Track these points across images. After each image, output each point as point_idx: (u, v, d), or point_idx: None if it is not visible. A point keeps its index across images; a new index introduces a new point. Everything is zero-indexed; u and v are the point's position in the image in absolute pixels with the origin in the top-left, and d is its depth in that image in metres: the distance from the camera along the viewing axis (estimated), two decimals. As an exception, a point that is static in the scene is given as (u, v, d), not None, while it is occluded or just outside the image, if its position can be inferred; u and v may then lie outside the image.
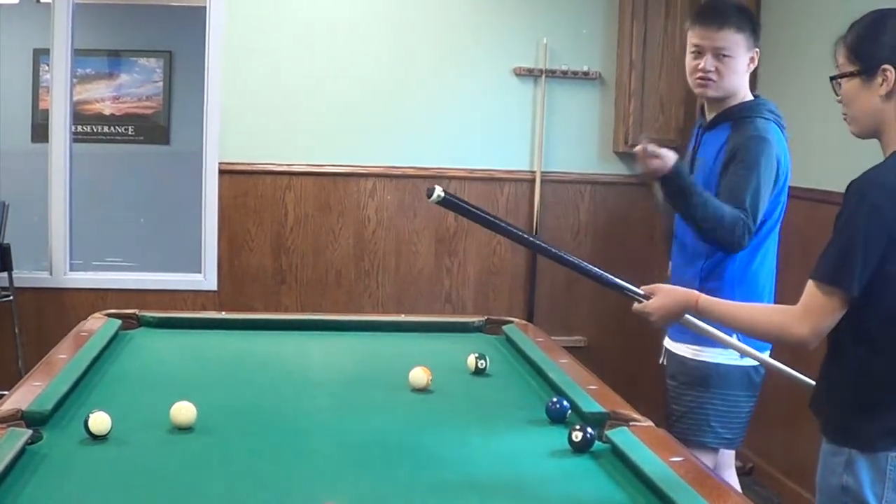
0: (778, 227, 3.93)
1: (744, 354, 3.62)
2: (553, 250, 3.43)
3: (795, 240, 4.44)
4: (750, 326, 3.04)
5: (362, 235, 6.24)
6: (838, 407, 2.92)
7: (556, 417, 3.12)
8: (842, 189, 5.04)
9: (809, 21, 5.83)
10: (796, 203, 4.77)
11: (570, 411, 3.14)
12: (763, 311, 3.11)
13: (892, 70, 2.81)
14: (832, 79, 2.98)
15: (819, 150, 5.64)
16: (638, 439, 2.85)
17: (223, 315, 4.58)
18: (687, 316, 3.22)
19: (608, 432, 2.92)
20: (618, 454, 2.80)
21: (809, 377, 3.29)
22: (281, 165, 6.13)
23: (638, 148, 3.64)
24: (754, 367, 3.89)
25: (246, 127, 6.07)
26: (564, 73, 6.38)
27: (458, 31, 6.29)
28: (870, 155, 4.98)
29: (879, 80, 2.82)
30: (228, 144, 6.04)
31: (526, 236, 3.61)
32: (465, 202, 3.29)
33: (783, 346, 3.05)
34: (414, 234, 6.30)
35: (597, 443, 2.86)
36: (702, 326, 3.27)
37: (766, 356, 3.52)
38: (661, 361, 4.11)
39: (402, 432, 3.06)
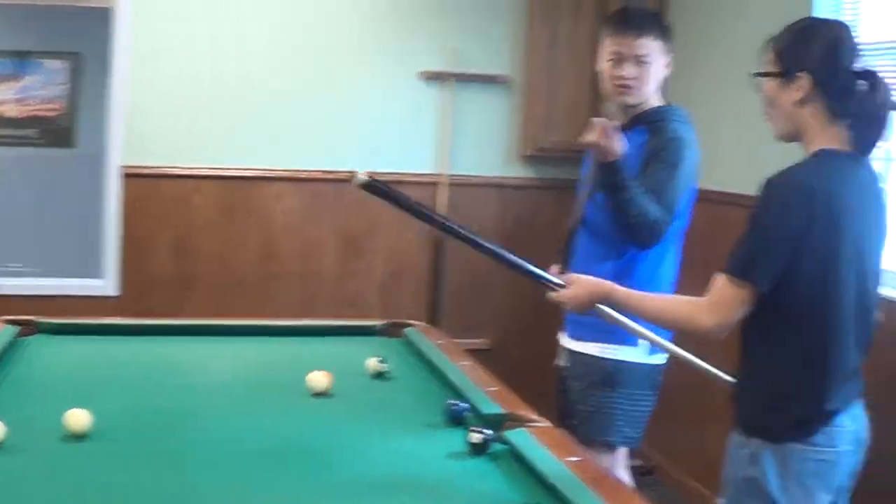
0: (683, 228, 3.98)
1: (658, 348, 3.66)
2: (472, 237, 3.53)
3: (698, 241, 4.47)
4: (658, 316, 3.11)
5: (267, 239, 6.20)
6: (749, 399, 3.00)
7: (455, 419, 3.12)
8: (743, 191, 5.12)
9: (714, 28, 5.89)
10: (699, 205, 4.81)
11: (468, 413, 3.14)
12: (672, 302, 3.18)
13: (808, 78, 2.89)
14: (755, 75, 3.08)
15: (722, 153, 5.70)
16: (536, 440, 2.86)
17: (123, 320, 4.51)
18: (599, 306, 3.26)
19: (506, 433, 2.92)
20: (515, 455, 2.80)
21: (721, 370, 3.33)
22: (186, 169, 6.06)
23: (599, 120, 3.70)
24: (657, 365, 3.94)
25: (151, 130, 6.00)
26: (472, 76, 6.38)
27: (365, 35, 6.26)
28: (774, 158, 5.04)
29: (796, 85, 2.92)
30: (133, 147, 5.96)
31: (448, 223, 3.63)
32: (388, 188, 3.38)
33: (688, 338, 3.11)
34: (319, 238, 6.26)
35: (495, 444, 2.86)
36: (614, 317, 3.30)
37: (684, 352, 3.54)
38: (559, 363, 4.12)
39: (301, 436, 3.05)
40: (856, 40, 2.97)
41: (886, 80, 2.94)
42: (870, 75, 2.92)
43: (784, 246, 2.81)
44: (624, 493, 2.58)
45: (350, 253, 6.31)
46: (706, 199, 5.52)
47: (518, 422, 3.03)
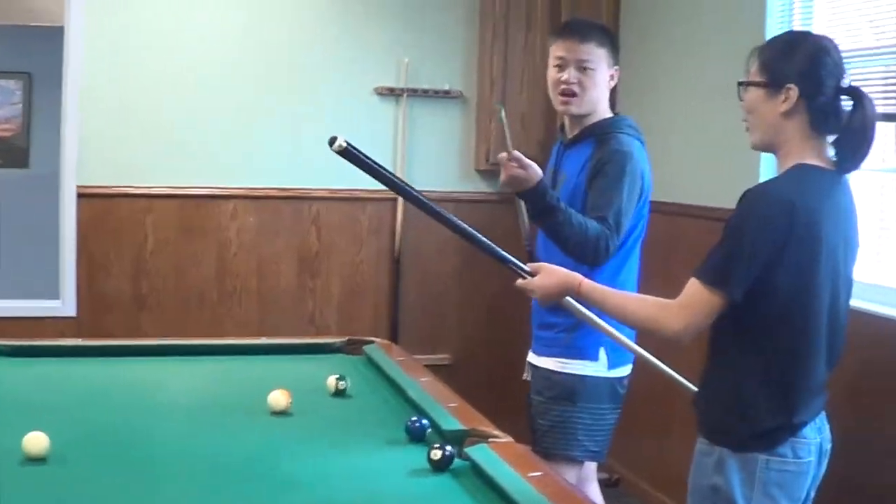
0: (640, 240, 3.99)
1: (618, 358, 3.69)
2: (444, 214, 3.69)
3: (656, 252, 4.49)
4: (626, 314, 3.12)
5: (224, 258, 6.18)
6: (715, 406, 3.03)
7: (416, 436, 3.12)
8: (698, 202, 5.16)
9: (667, 40, 5.92)
10: (655, 217, 4.83)
11: (429, 430, 3.14)
12: (642, 302, 3.15)
13: (795, 90, 2.91)
14: (740, 83, 3.07)
15: (676, 165, 5.72)
16: (497, 456, 2.86)
17: (80, 342, 4.48)
18: (568, 298, 3.28)
19: (467, 449, 2.92)
20: (477, 471, 2.81)
21: (682, 375, 3.36)
22: (141, 188, 6.03)
23: (503, 155, 3.70)
24: (619, 378, 3.95)
25: (105, 149, 5.97)
26: (426, 91, 6.39)
27: (319, 51, 6.27)
28: (726, 169, 5.09)
29: (782, 96, 2.94)
30: (87, 167, 5.93)
31: (420, 198, 3.70)
32: (366, 156, 3.47)
33: (652, 339, 3.16)
34: (276, 256, 6.25)
35: (456, 460, 2.86)
36: (581, 311, 3.32)
37: (649, 355, 3.55)
38: (524, 377, 4.13)
39: (261, 456, 3.03)
40: (841, 56, 2.99)
41: (872, 99, 2.97)
42: (855, 92, 2.95)
43: (759, 258, 2.83)
44: (587, 507, 2.59)
45: (307, 271, 6.30)
46: (660, 210, 5.56)
47: (479, 437, 3.03)
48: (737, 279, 2.83)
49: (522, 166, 3.66)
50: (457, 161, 6.46)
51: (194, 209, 6.11)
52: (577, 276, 3.25)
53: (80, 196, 5.91)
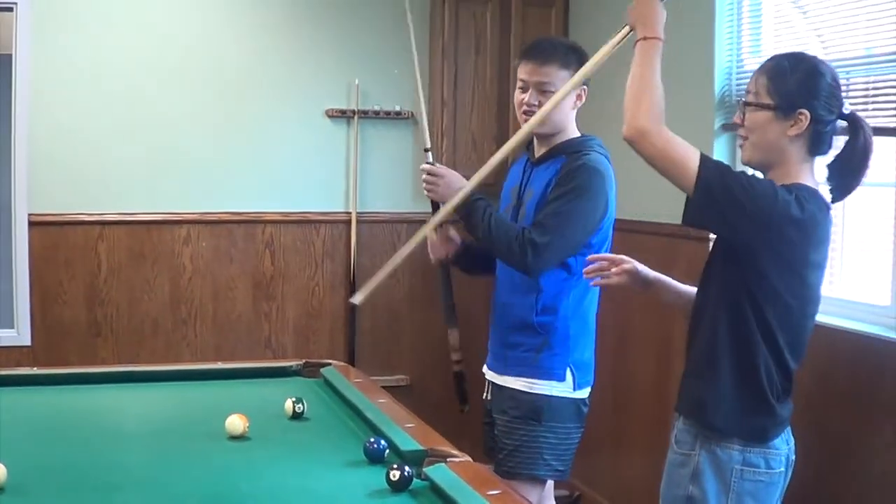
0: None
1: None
2: None
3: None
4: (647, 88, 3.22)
5: (178, 283, 6.17)
6: (698, 411, 3.11)
7: (374, 457, 3.12)
8: (660, 219, 5.17)
9: (614, 60, 5.96)
10: (617, 234, 4.85)
11: (387, 451, 3.15)
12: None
13: (808, 115, 2.96)
14: (746, 104, 3.09)
15: (638, 182, 5.76)
16: (456, 475, 2.87)
17: (35, 371, 4.46)
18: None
19: (426, 469, 2.93)
20: (436, 491, 2.82)
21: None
22: (92, 215, 6.02)
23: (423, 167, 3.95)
24: (583, 399, 3.96)
25: (56, 176, 5.95)
26: (377, 113, 6.41)
27: (269, 74, 6.27)
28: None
29: (791, 121, 2.99)
30: (38, 195, 5.91)
31: None
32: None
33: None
34: (231, 280, 6.25)
35: (415, 480, 2.87)
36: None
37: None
38: (484, 396, 4.14)
39: (218, 481, 3.02)
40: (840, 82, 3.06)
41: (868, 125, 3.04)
42: (854, 119, 3.02)
43: (747, 211, 2.90)
44: (545, 525, 2.60)
45: (263, 295, 6.30)
46: (620, 227, 5.59)
47: (438, 457, 3.04)
48: (714, 188, 2.93)
49: (440, 173, 3.92)
50: (409, 182, 6.47)
51: (146, 235, 6.10)
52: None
53: (32, 224, 5.89)
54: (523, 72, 3.95)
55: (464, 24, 6.39)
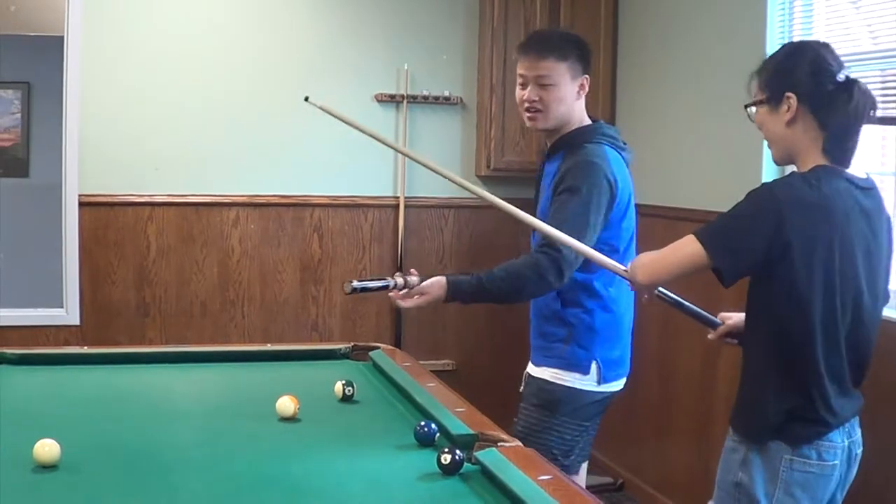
0: (633, 245, 3.96)
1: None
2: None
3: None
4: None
5: (226, 265, 6.20)
6: (746, 405, 3.11)
7: (425, 441, 3.13)
8: (695, 205, 5.16)
9: (667, 47, 5.94)
10: (655, 221, 4.84)
11: (438, 434, 3.15)
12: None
13: (794, 97, 2.97)
14: (746, 107, 3.15)
15: (676, 170, 5.75)
16: (507, 459, 2.87)
17: (86, 350, 4.49)
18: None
19: (477, 454, 2.93)
20: (487, 475, 2.82)
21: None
22: (142, 196, 6.06)
23: (400, 299, 3.71)
24: (607, 394, 3.90)
25: (106, 158, 5.99)
26: (426, 98, 6.42)
27: (319, 59, 6.29)
28: (729, 175, 5.11)
29: (784, 107, 3.00)
30: (88, 176, 5.95)
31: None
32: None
33: None
34: (279, 263, 6.27)
35: (466, 464, 2.87)
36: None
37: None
38: (520, 389, 4.08)
39: (269, 462, 3.03)
40: (836, 54, 3.04)
41: (868, 89, 3.01)
42: (848, 83, 2.99)
43: (758, 228, 2.90)
44: (596, 510, 2.60)
45: (310, 278, 6.32)
46: (664, 215, 5.59)
47: (488, 442, 3.04)
48: (726, 246, 2.96)
49: (420, 293, 3.70)
50: (458, 167, 6.47)
51: (196, 217, 6.14)
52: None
53: (82, 205, 5.94)
54: (521, 67, 3.87)
55: (513, 10, 6.37)
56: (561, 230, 3.51)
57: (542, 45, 3.84)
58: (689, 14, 5.70)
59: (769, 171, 4.96)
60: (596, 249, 3.55)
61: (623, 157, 3.90)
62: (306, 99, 3.66)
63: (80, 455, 2.97)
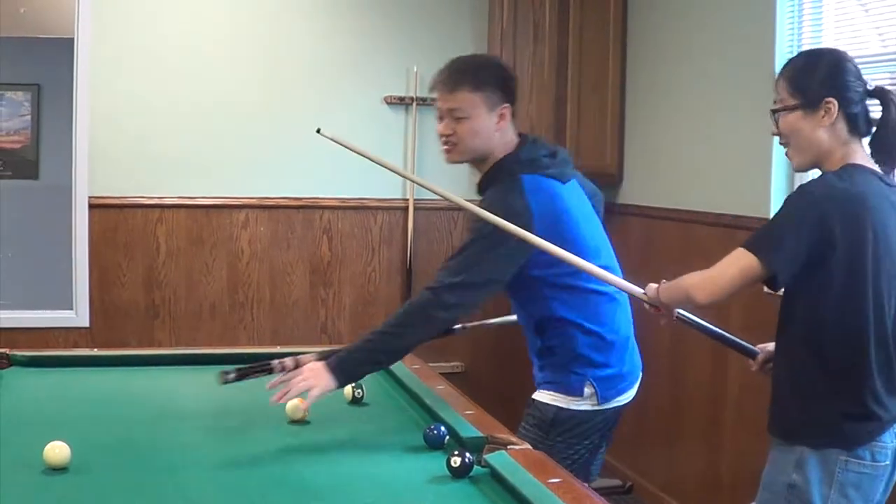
0: (605, 256, 3.76)
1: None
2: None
3: (669, 258, 4.50)
4: (672, 284, 3.17)
5: (236, 267, 6.21)
6: (795, 407, 3.06)
7: (434, 443, 3.13)
8: (720, 209, 5.15)
9: (677, 50, 5.94)
10: (669, 224, 4.85)
11: (447, 437, 3.15)
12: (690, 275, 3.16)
13: (835, 102, 2.98)
14: (775, 111, 3.10)
15: (686, 173, 5.74)
16: (516, 462, 2.86)
17: (96, 352, 4.51)
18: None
19: (486, 456, 2.92)
20: (497, 478, 2.81)
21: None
22: (152, 198, 6.07)
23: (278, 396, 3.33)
24: (611, 409, 3.73)
25: (116, 160, 6.01)
26: (435, 100, 6.39)
27: (328, 61, 6.30)
28: (738, 179, 5.10)
29: (822, 112, 2.99)
30: (98, 178, 5.97)
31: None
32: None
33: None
34: (288, 265, 6.28)
35: (475, 467, 2.87)
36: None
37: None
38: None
39: (278, 464, 3.04)
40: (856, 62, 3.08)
41: None
42: (882, 93, 3.05)
43: (804, 232, 2.89)
44: (606, 514, 2.60)
45: (318, 280, 6.33)
46: (675, 217, 5.59)
47: (498, 445, 3.03)
48: (776, 250, 2.92)
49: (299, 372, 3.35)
50: (466, 170, 6.43)
51: (206, 219, 6.15)
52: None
53: (92, 206, 5.95)
54: (438, 100, 3.67)
55: (522, 13, 6.37)
56: (449, 272, 3.44)
57: (455, 76, 3.62)
58: (699, 15, 5.69)
59: (779, 175, 4.97)
60: (553, 279, 3.55)
61: (544, 179, 3.64)
62: (318, 131, 3.58)
63: (89, 457, 2.98)
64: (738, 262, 2.95)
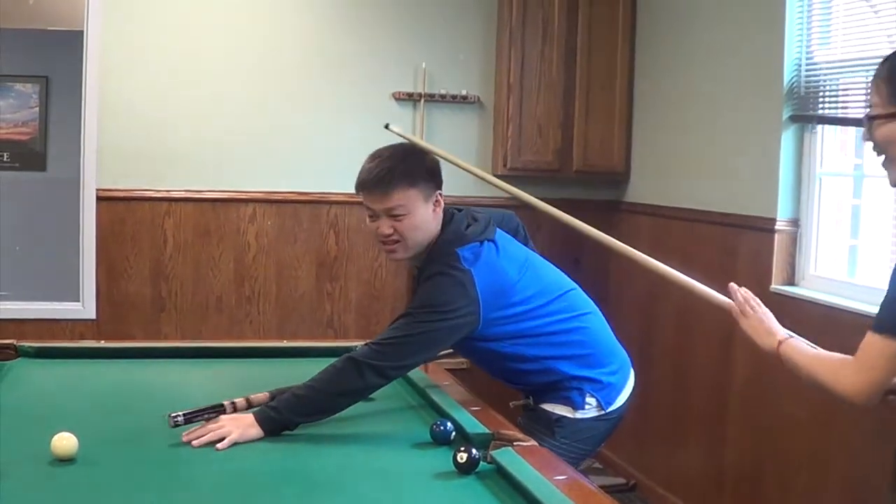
0: (558, 289, 3.76)
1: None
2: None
3: (676, 256, 4.49)
4: (809, 371, 2.85)
5: (242, 261, 6.22)
6: None
7: (441, 439, 3.14)
8: (726, 209, 5.14)
9: (685, 52, 5.95)
10: (676, 223, 4.85)
11: (454, 433, 3.16)
12: (828, 359, 2.83)
13: None
14: (869, 119, 2.71)
15: (694, 174, 5.76)
16: (522, 459, 2.87)
17: (103, 344, 4.51)
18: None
19: (493, 453, 2.93)
20: (503, 474, 2.82)
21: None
22: (160, 192, 6.08)
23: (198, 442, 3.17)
24: (616, 410, 3.73)
25: (124, 153, 6.01)
26: (443, 97, 6.43)
27: (337, 56, 6.30)
28: (745, 181, 5.11)
29: None
30: (106, 171, 5.98)
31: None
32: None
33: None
34: (295, 260, 6.29)
35: (482, 463, 2.87)
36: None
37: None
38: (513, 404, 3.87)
39: (285, 458, 3.05)
40: None
41: None
42: None
43: None
44: (611, 511, 2.61)
45: (326, 275, 6.33)
46: (682, 217, 5.61)
47: (504, 441, 3.04)
48: None
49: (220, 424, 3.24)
50: (474, 166, 6.47)
51: (213, 212, 6.15)
52: (778, 337, 2.99)
53: (100, 199, 5.97)
54: (368, 201, 3.56)
55: (531, 10, 6.38)
56: (375, 354, 3.39)
57: (387, 179, 3.51)
58: (708, 15, 5.70)
59: (786, 176, 4.99)
60: (508, 338, 3.58)
61: (482, 239, 3.62)
62: (386, 126, 3.55)
63: (97, 448, 2.98)
64: (885, 352, 2.61)
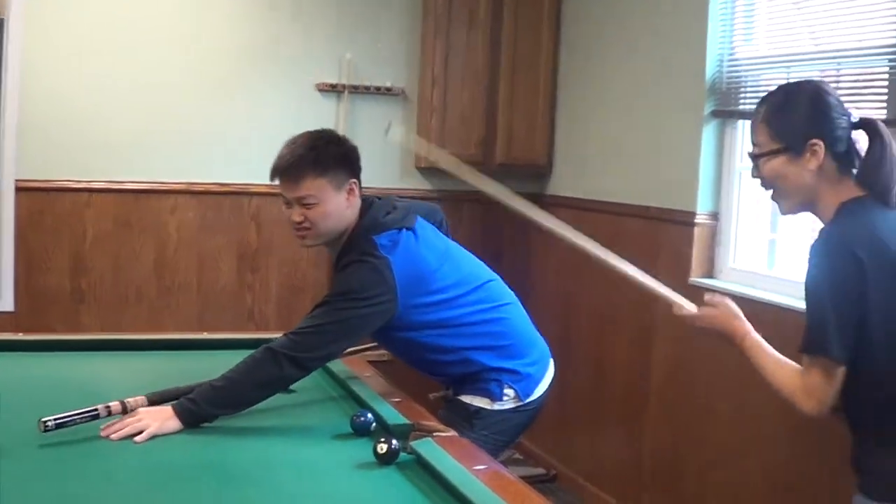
0: (478, 280, 3.80)
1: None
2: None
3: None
4: (774, 381, 2.93)
5: (163, 253, 6.17)
6: (882, 466, 2.88)
7: (361, 430, 3.14)
8: (648, 202, 5.20)
9: (608, 44, 5.98)
10: (598, 216, 4.88)
11: (374, 424, 3.17)
12: (788, 372, 2.91)
13: (821, 144, 2.82)
14: (756, 157, 2.93)
15: (616, 169, 5.80)
16: (442, 449, 2.90)
17: (20, 336, 4.46)
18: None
19: (413, 443, 2.94)
20: (423, 465, 2.84)
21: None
22: (80, 182, 6.00)
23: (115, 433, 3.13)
24: (535, 401, 3.77)
25: (44, 143, 5.93)
26: (367, 88, 6.41)
27: (260, 46, 6.27)
28: (666, 175, 5.15)
29: (808, 155, 2.83)
30: (26, 161, 5.89)
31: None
32: None
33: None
34: (216, 251, 6.25)
35: (402, 454, 2.88)
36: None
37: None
38: (432, 396, 3.87)
39: (204, 450, 3.04)
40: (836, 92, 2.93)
41: (885, 129, 2.89)
42: (869, 124, 2.89)
43: (844, 311, 2.74)
44: (530, 499, 2.61)
45: (247, 267, 6.31)
46: (606, 210, 5.65)
47: (424, 432, 3.06)
48: (831, 339, 2.73)
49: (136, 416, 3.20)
50: (397, 158, 6.49)
51: (134, 204, 6.10)
52: (743, 329, 3.07)
53: (19, 190, 5.88)
54: (282, 189, 3.61)
55: (458, 1, 6.38)
56: (294, 344, 3.40)
57: (298, 164, 3.55)
58: (632, 7, 5.74)
59: (706, 169, 5.04)
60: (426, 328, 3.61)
61: (400, 227, 3.66)
62: (387, 131, 3.53)
63: (11, 441, 2.97)
64: (821, 372, 2.78)
